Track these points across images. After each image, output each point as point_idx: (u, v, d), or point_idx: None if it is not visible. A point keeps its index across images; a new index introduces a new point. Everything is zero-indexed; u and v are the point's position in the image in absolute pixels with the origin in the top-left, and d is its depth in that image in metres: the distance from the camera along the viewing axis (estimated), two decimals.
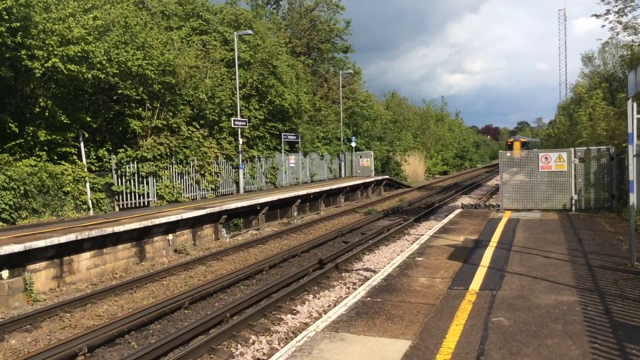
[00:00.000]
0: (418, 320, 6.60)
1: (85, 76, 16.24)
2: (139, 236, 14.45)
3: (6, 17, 14.21)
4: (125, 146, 19.10)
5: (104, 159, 18.59)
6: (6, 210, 14.10)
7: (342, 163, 37.52)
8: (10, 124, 15.68)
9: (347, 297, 9.36)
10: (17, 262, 10.92)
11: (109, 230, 13.10)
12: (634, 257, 9.18)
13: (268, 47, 27.05)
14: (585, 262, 9.51)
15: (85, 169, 17.25)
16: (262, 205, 20.45)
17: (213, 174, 23.10)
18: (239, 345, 8.11)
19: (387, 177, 38.02)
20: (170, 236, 15.66)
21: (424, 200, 29.96)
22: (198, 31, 26.07)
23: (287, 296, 10.44)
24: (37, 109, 15.98)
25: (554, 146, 37.64)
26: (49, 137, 16.27)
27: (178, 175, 20.95)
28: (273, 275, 12.80)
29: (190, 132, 21.39)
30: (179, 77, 20.29)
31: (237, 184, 24.85)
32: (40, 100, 16.02)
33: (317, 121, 36.38)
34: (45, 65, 15.17)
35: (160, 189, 19.89)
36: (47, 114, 16.07)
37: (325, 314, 8.30)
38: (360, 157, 38.30)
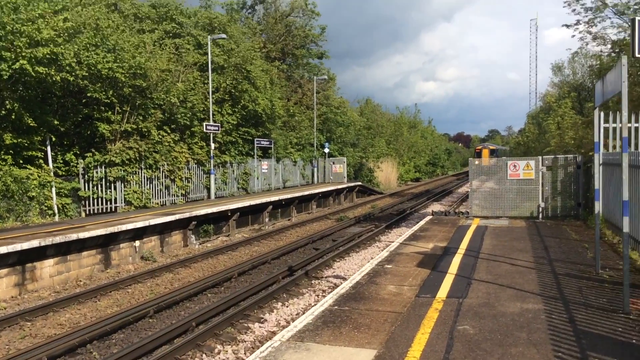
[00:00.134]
0: (385, 329, 6.57)
1: (54, 79, 15.88)
2: (105, 243, 14.16)
3: None
4: (93, 150, 18.72)
5: (71, 163, 18.18)
6: None
7: (315, 169, 37.49)
8: None
9: (315, 305, 9.30)
10: None
11: (73, 236, 12.81)
12: (598, 265, 9.31)
13: (242, 52, 26.89)
14: (550, 270, 9.61)
15: (52, 174, 16.84)
16: (233, 211, 20.27)
17: (184, 179, 22.82)
18: (204, 355, 7.98)
19: (360, 183, 38.13)
20: (137, 243, 15.39)
21: (396, 207, 30.09)
22: (171, 34, 25.79)
23: (255, 304, 10.32)
24: (3, 112, 15.54)
25: (523, 154, 38.24)
26: (15, 141, 15.83)
27: (147, 181, 20.63)
28: (242, 283, 12.67)
29: (160, 137, 21.09)
30: (150, 80, 19.99)
31: (209, 189, 24.60)
32: (7, 102, 15.60)
33: (291, 127, 36.30)
34: (13, 67, 14.78)
35: (128, 194, 19.54)
36: (13, 116, 15.63)
37: (293, 322, 8.21)
38: (333, 163, 38.33)
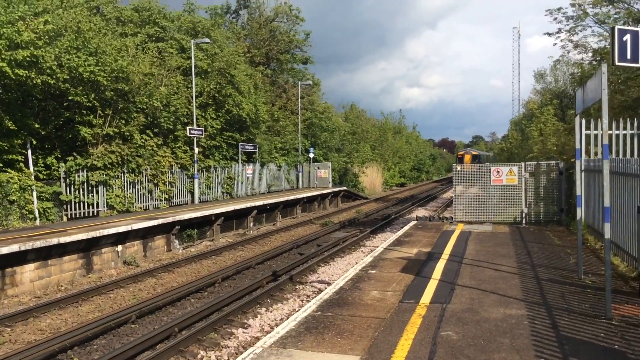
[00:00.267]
0: (368, 335, 6.55)
1: (35, 81, 15.72)
2: (87, 247, 13.98)
3: None
4: (74, 154, 18.52)
5: (53, 167, 17.96)
6: None
7: (300, 174, 37.46)
8: None
9: (299, 310, 9.25)
10: None
11: (54, 241, 12.63)
12: (580, 271, 9.39)
13: (226, 56, 26.79)
14: (534, 275, 9.67)
15: (33, 177, 16.62)
16: (217, 215, 20.15)
17: (167, 183, 22.65)
18: None
19: (345, 188, 38.15)
20: (120, 247, 15.22)
21: (381, 212, 30.14)
22: (154, 38, 25.60)
23: (239, 309, 10.25)
24: None
25: (506, 160, 38.53)
26: None
27: (130, 185, 20.44)
28: (226, 288, 12.56)
29: (143, 141, 20.92)
30: (133, 84, 19.84)
31: (192, 194, 24.44)
32: None
33: (275, 132, 36.25)
34: None
35: (110, 198, 19.34)
36: None
37: (277, 327, 8.16)
38: (318, 168, 38.32)
